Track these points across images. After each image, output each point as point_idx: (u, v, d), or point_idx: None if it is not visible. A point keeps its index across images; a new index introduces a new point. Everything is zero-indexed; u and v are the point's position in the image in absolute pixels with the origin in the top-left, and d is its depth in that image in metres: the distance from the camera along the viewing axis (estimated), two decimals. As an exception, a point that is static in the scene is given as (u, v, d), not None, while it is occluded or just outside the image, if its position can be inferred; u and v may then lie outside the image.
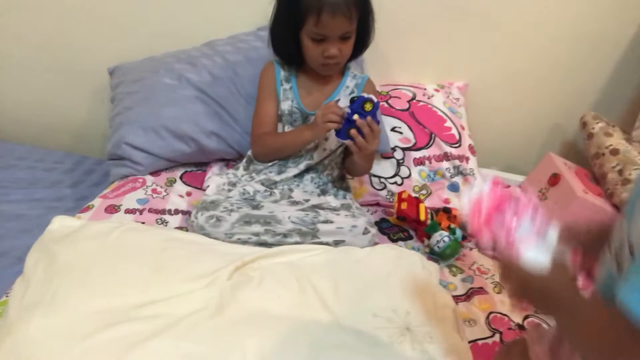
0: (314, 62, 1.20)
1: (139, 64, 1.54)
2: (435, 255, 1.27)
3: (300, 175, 1.30)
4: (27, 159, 1.65)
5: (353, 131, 1.11)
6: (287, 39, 1.19)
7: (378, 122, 1.13)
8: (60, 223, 1.04)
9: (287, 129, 1.30)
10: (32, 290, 0.86)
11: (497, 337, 1.05)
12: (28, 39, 1.67)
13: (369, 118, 1.10)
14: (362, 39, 1.22)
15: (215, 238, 1.09)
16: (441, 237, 1.25)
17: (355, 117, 1.09)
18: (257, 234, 1.11)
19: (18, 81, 1.76)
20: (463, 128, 1.60)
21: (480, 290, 1.18)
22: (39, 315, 0.81)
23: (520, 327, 1.10)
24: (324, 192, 1.30)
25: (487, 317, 1.10)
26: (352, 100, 1.12)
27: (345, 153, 1.34)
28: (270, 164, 1.30)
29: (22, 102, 1.80)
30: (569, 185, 1.46)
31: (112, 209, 1.22)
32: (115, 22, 1.63)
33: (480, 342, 1.04)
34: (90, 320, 0.81)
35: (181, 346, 0.79)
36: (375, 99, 1.11)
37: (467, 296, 1.16)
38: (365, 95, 1.11)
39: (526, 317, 1.13)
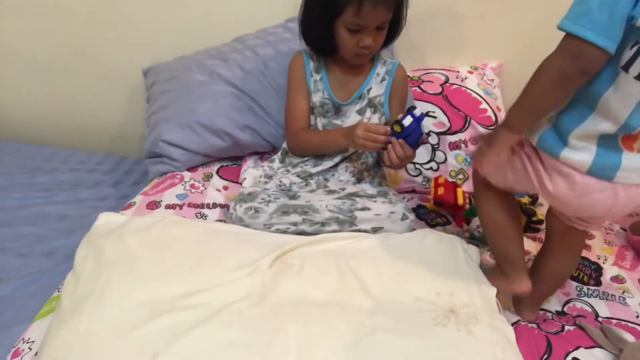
0: (348, 52, 1.19)
1: (172, 63, 1.57)
2: (475, 240, 1.25)
3: (335, 165, 1.30)
4: (70, 161, 1.72)
5: (390, 149, 1.11)
6: (320, 29, 1.17)
7: (421, 134, 1.12)
8: (105, 219, 1.07)
9: (320, 120, 1.30)
10: (82, 284, 0.89)
11: (534, 325, 1.03)
12: (62, 45, 1.73)
13: (399, 141, 1.10)
14: (394, 26, 1.20)
15: (254, 229, 1.11)
16: None
17: (390, 139, 1.10)
18: (295, 224, 1.12)
19: (55, 87, 1.82)
20: (499, 109, 1.56)
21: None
22: (90, 307, 0.83)
23: (560, 313, 1.07)
24: (359, 181, 1.30)
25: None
26: (407, 109, 1.11)
27: None
28: (306, 158, 1.31)
29: (61, 106, 1.87)
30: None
31: (153, 205, 1.25)
32: (146, 23, 1.67)
33: (522, 323, 1.02)
34: (138, 310, 0.83)
35: (226, 334, 0.80)
36: (419, 112, 1.09)
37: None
38: (417, 110, 1.10)
39: (566, 303, 1.10)
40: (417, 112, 1.10)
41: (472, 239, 1.25)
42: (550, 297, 1.11)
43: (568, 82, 0.77)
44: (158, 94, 1.50)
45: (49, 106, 1.86)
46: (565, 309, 1.09)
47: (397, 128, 1.09)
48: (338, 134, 1.21)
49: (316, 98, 1.28)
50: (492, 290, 0.95)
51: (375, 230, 1.13)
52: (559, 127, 0.83)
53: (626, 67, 0.73)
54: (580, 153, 0.81)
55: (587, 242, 1.33)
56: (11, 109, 1.88)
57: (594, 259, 1.26)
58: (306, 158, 1.31)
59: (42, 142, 1.83)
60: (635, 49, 0.72)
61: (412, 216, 1.17)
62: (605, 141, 0.79)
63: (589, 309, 1.09)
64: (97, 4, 1.63)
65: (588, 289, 1.15)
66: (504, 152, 0.88)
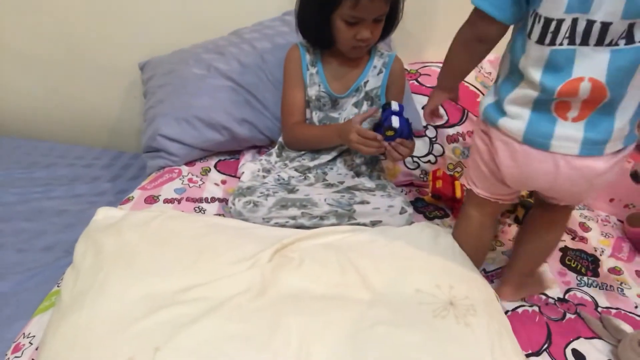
0: (345, 44, 1.19)
1: (169, 57, 1.57)
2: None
3: (333, 159, 1.30)
4: (67, 156, 1.71)
5: (391, 151, 1.14)
6: (317, 21, 1.17)
7: (410, 123, 1.14)
8: (104, 214, 1.07)
9: (315, 114, 1.29)
10: (82, 278, 0.89)
11: (535, 308, 1.04)
12: (59, 40, 1.71)
13: (397, 140, 1.12)
14: (391, 19, 1.20)
15: (253, 223, 1.11)
16: None
17: (386, 144, 1.12)
18: (294, 218, 1.12)
19: (52, 82, 1.81)
20: (496, 102, 1.56)
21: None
22: (90, 302, 0.83)
23: (562, 300, 1.08)
24: (357, 174, 1.30)
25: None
26: (383, 108, 1.14)
27: None
28: (302, 152, 1.31)
29: (58, 102, 1.86)
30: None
31: (151, 200, 1.24)
32: (142, 18, 1.66)
33: (520, 309, 1.03)
34: (138, 305, 0.83)
35: (226, 327, 0.80)
36: (396, 107, 1.12)
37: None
38: (394, 105, 1.12)
39: (567, 291, 1.11)
40: (395, 107, 1.12)
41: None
42: (551, 285, 1.12)
43: (468, 47, 0.91)
44: (155, 88, 1.50)
45: (46, 101, 1.86)
46: (566, 297, 1.10)
47: (389, 133, 1.11)
48: (333, 132, 1.22)
49: (312, 91, 1.28)
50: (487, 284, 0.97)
51: (374, 223, 1.13)
52: (498, 96, 0.90)
53: (529, 34, 0.81)
54: (516, 121, 0.86)
55: (584, 234, 1.34)
56: (8, 105, 1.87)
57: (590, 251, 1.27)
58: (303, 152, 1.31)
59: (40, 137, 1.83)
60: (533, 16, 0.80)
61: (410, 210, 1.18)
62: (539, 109, 0.84)
63: (589, 299, 1.10)
64: (92, -1, 1.63)
65: (588, 279, 1.16)
66: (435, 105, 1.07)
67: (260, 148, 1.50)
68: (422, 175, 1.47)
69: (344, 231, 1.05)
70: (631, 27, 0.74)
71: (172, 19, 1.66)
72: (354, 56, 1.25)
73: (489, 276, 1.14)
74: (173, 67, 1.51)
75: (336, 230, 1.06)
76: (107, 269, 0.89)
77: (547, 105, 0.83)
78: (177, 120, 1.39)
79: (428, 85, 1.52)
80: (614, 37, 0.74)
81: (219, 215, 1.21)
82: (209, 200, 1.27)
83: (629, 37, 0.74)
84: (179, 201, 1.25)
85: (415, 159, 1.46)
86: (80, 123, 1.90)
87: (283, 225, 1.12)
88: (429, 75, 1.56)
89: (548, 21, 0.77)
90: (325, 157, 1.29)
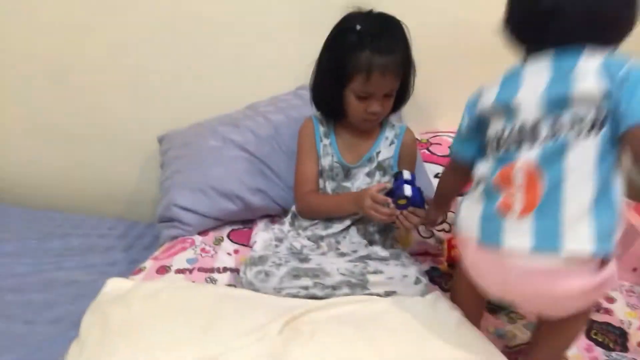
0: (356, 117, 1.22)
1: (186, 130, 1.62)
2: (492, 304, 1.21)
3: (346, 228, 1.30)
4: (82, 227, 1.72)
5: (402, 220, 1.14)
6: (331, 95, 1.21)
7: (421, 192, 1.14)
8: (113, 285, 1.06)
9: (329, 184, 1.31)
10: (87, 351, 0.86)
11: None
12: (78, 113, 1.79)
13: (409, 209, 1.13)
14: (402, 94, 1.24)
15: (265, 293, 1.08)
16: None
17: (398, 212, 1.13)
18: (306, 288, 1.10)
19: (69, 154, 1.87)
20: (508, 170, 1.56)
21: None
22: (95, 377, 0.81)
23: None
24: (371, 243, 1.28)
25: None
26: (395, 178, 1.15)
27: None
28: (315, 221, 1.30)
29: (74, 173, 1.91)
30: (630, 223, 1.39)
31: (163, 270, 1.24)
32: (161, 93, 1.74)
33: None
34: (145, 380, 0.80)
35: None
36: (408, 176, 1.13)
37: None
38: (405, 174, 1.14)
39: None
40: (407, 176, 1.13)
41: (489, 304, 1.21)
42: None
43: (448, 173, 1.15)
44: (172, 160, 1.53)
45: (64, 173, 1.91)
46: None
47: (401, 202, 1.11)
48: (347, 200, 1.22)
49: (325, 162, 1.30)
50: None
51: (387, 294, 1.10)
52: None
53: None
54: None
55: (609, 306, 1.28)
56: (24, 176, 1.92)
57: (617, 324, 1.21)
58: (316, 221, 1.30)
59: (55, 208, 1.86)
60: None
61: (425, 280, 1.15)
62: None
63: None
64: (113, 73, 1.71)
65: (617, 354, 1.10)
66: (432, 220, 1.20)
67: (274, 217, 1.50)
68: (437, 244, 1.44)
69: (357, 302, 1.03)
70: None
71: (190, 94, 1.73)
72: (364, 128, 1.28)
73: (513, 353, 1.08)
74: (190, 139, 1.55)
75: (349, 301, 1.03)
76: (113, 343, 0.87)
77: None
78: (192, 190, 1.41)
79: (439, 154, 1.54)
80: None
81: (231, 285, 1.19)
82: (221, 270, 1.26)
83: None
84: (191, 271, 1.24)
85: (429, 228, 1.44)
86: (96, 193, 1.94)
87: (295, 296, 1.09)
88: (440, 144, 1.58)
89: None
90: (338, 227, 1.28)
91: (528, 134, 0.85)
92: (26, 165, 1.90)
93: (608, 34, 0.85)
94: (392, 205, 1.11)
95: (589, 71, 0.80)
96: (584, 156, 0.78)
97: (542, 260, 0.78)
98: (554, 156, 0.80)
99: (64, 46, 1.69)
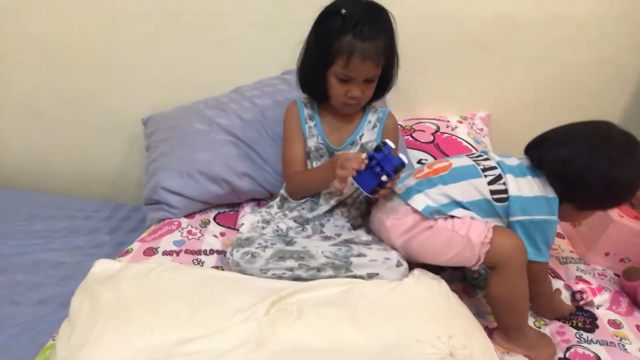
0: (337, 100, 1.24)
1: (172, 113, 1.62)
2: (471, 285, 1.26)
3: (330, 210, 1.32)
4: (66, 208, 1.72)
5: (382, 191, 1.11)
6: (315, 76, 1.23)
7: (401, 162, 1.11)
8: (102, 266, 1.07)
9: (316, 164, 1.33)
10: (78, 331, 0.88)
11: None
12: (61, 93, 1.77)
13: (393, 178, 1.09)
14: (385, 81, 1.26)
15: (251, 274, 1.11)
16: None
17: (384, 178, 1.07)
18: (291, 269, 1.12)
19: (55, 136, 1.86)
20: (489, 157, 1.60)
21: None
22: (86, 355, 0.83)
23: (564, 360, 1.07)
24: (354, 227, 1.31)
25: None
26: (377, 148, 1.09)
27: None
28: (302, 200, 1.33)
29: (60, 155, 1.90)
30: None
31: (150, 252, 1.25)
32: (145, 74, 1.73)
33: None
34: (135, 358, 0.82)
35: (223, 382, 0.79)
36: (392, 145, 1.09)
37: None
38: (389, 143, 1.09)
39: (568, 349, 1.11)
40: (392, 145, 1.08)
41: (467, 283, 1.26)
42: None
43: None
44: (158, 142, 1.54)
45: (48, 154, 1.90)
46: (567, 355, 1.09)
47: (376, 149, 1.07)
48: (324, 169, 1.24)
49: (311, 143, 1.32)
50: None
51: (370, 276, 1.13)
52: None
53: None
54: None
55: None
56: (10, 157, 1.91)
57: (588, 307, 1.27)
58: (303, 201, 1.33)
59: (40, 190, 1.85)
60: None
61: (406, 263, 1.18)
62: None
63: (591, 354, 1.09)
64: (98, 56, 1.70)
65: (587, 336, 1.15)
66: None
67: (260, 201, 1.52)
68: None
69: (342, 284, 1.06)
70: None
71: (175, 76, 1.72)
72: (345, 112, 1.30)
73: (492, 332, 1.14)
74: (176, 122, 1.55)
75: (333, 283, 1.06)
76: (103, 323, 0.89)
77: None
78: (179, 174, 1.42)
79: (423, 141, 1.57)
80: None
81: (217, 267, 1.21)
82: (208, 253, 1.28)
83: None
84: (178, 253, 1.25)
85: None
86: (81, 176, 1.93)
87: (280, 277, 1.12)
88: (423, 131, 1.61)
89: None
90: (324, 208, 1.31)
91: None
92: (11, 147, 1.88)
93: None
94: (364, 156, 1.07)
95: None
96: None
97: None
98: None
99: (49, 28, 1.66)
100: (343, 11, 1.14)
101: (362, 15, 1.14)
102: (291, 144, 1.34)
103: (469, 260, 1.06)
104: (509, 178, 1.12)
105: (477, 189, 1.12)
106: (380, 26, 1.16)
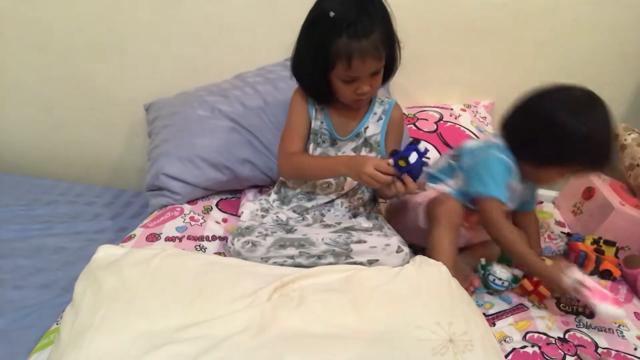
0: (346, 99, 1.20)
1: (174, 99, 1.61)
2: (483, 285, 1.24)
3: (330, 201, 1.32)
4: (68, 194, 1.73)
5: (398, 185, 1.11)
6: (316, 82, 1.19)
7: (423, 168, 1.12)
8: (105, 252, 1.07)
9: (312, 147, 1.29)
10: (82, 316, 0.89)
11: (536, 349, 1.04)
12: (63, 79, 1.77)
13: (403, 177, 1.11)
14: (389, 67, 1.22)
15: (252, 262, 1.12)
16: (500, 278, 1.21)
17: (408, 179, 1.10)
18: (292, 257, 1.13)
19: (57, 121, 1.85)
20: (492, 146, 1.60)
21: (519, 308, 1.18)
22: (89, 340, 0.83)
23: (562, 340, 1.08)
24: (355, 216, 1.31)
25: (524, 336, 1.09)
26: (410, 143, 1.11)
27: None
28: (298, 191, 1.32)
29: (62, 140, 1.90)
30: (605, 197, 1.44)
31: (152, 238, 1.26)
32: (148, 59, 1.72)
33: (521, 350, 1.03)
34: (138, 342, 0.83)
35: (225, 367, 0.80)
36: (423, 148, 1.10)
37: (505, 313, 1.16)
38: (420, 146, 1.10)
39: (567, 331, 1.12)
40: (421, 148, 1.09)
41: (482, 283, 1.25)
42: (551, 324, 1.13)
43: None
44: (160, 128, 1.53)
45: (50, 139, 1.90)
46: (566, 336, 1.10)
47: (402, 163, 1.08)
48: (339, 163, 1.19)
49: (315, 124, 1.28)
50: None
51: (370, 262, 1.14)
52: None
53: None
54: None
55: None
56: (12, 142, 1.91)
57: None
58: (299, 191, 1.32)
59: (42, 175, 1.85)
60: None
61: (406, 249, 1.18)
62: None
63: (589, 339, 1.10)
64: (99, 39, 1.69)
65: (587, 322, 1.16)
66: None
67: (262, 187, 1.53)
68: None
69: (344, 270, 1.06)
70: None
71: (177, 62, 1.72)
72: (356, 107, 1.27)
73: (491, 318, 1.14)
74: (178, 108, 1.55)
75: (334, 269, 1.06)
76: (106, 308, 0.89)
77: None
78: (181, 160, 1.42)
79: (426, 130, 1.56)
80: None
81: (220, 253, 1.22)
82: (210, 239, 1.28)
83: None
84: (180, 239, 1.26)
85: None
86: (83, 161, 1.93)
87: (281, 265, 1.12)
88: (426, 119, 1.60)
89: None
90: (323, 199, 1.30)
91: None
92: (12, 133, 1.88)
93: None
94: (391, 162, 1.09)
95: None
96: None
97: None
98: None
99: (49, 12, 1.65)
100: (332, 14, 1.07)
101: (352, 13, 1.06)
102: (294, 122, 1.28)
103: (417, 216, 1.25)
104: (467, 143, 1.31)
105: (444, 159, 1.36)
106: (373, 18, 1.08)
